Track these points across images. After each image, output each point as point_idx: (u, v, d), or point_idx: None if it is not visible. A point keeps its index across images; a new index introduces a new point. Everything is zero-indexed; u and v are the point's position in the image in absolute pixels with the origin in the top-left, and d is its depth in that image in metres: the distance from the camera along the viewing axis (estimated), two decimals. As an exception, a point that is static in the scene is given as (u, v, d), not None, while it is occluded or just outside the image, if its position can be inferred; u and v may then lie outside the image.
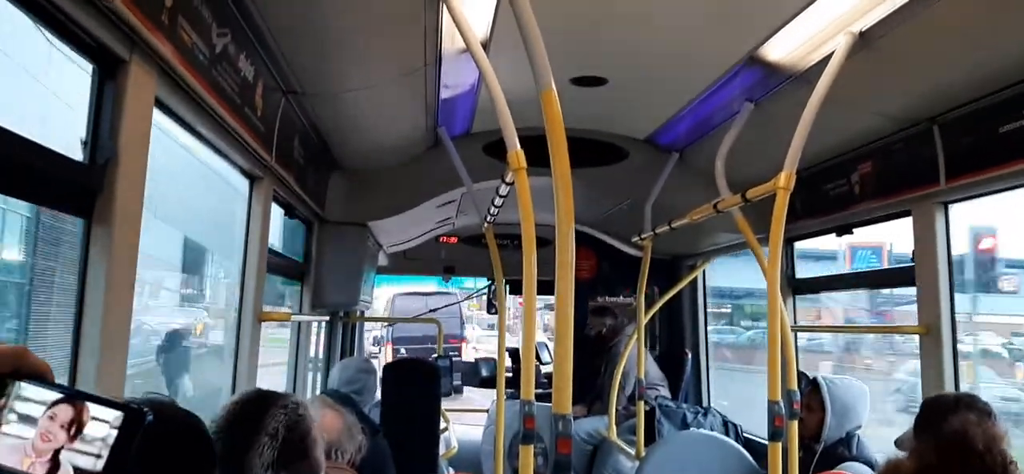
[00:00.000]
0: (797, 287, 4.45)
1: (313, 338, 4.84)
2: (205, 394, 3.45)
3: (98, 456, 0.91)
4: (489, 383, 6.73)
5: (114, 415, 0.92)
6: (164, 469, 1.07)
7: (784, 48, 2.88)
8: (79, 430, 0.92)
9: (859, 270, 4.15)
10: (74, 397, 0.94)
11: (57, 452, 0.92)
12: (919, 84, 2.88)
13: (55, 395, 0.94)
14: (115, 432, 0.92)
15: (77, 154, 1.77)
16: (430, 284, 12.00)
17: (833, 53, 2.60)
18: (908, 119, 3.09)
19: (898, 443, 2.55)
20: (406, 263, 7.11)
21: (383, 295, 15.05)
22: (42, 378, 0.95)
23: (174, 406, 1.29)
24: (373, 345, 16.13)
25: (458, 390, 8.41)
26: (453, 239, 7.00)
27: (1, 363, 0.91)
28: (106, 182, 1.78)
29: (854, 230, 3.79)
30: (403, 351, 16.04)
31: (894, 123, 3.17)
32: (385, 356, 15.85)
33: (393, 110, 3.67)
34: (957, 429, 1.81)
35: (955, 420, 1.87)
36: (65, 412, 0.93)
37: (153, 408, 1.22)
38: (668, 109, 4.01)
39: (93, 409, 0.93)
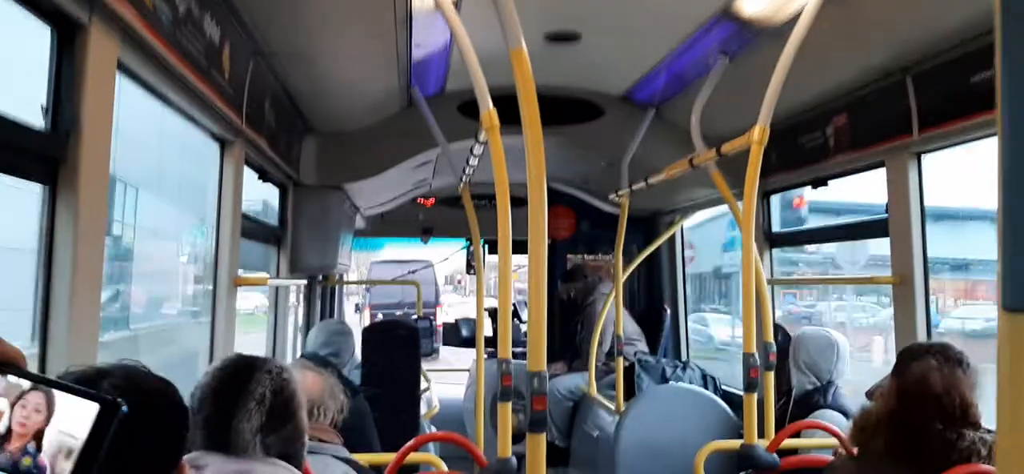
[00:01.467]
0: (774, 240, 4.48)
1: (292, 302, 4.82)
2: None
3: (70, 451, 0.90)
4: (469, 343, 6.76)
5: (87, 406, 0.91)
6: (136, 436, 1.06)
7: (758, 1, 2.86)
8: (49, 419, 0.91)
9: (833, 224, 4.15)
10: (46, 386, 0.92)
11: (25, 444, 0.91)
12: (892, 35, 2.87)
13: (27, 384, 0.92)
14: (88, 423, 0.90)
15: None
16: (409, 249, 11.98)
17: (806, 5, 2.58)
18: (881, 70, 3.10)
19: (868, 394, 2.59)
20: (384, 226, 7.08)
21: (361, 262, 15.11)
22: (15, 366, 0.93)
23: (147, 373, 1.27)
24: (355, 312, 16.24)
25: (436, 351, 8.46)
26: (430, 200, 6.97)
27: None
28: (69, 149, 1.75)
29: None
30: (380, 316, 16.14)
31: (867, 75, 3.17)
32: (364, 321, 15.93)
33: (365, 70, 3.61)
34: (916, 375, 1.87)
35: (916, 366, 1.93)
36: (36, 400, 0.91)
37: (125, 374, 1.21)
38: (643, 64, 3.99)
39: (65, 399, 0.91)
